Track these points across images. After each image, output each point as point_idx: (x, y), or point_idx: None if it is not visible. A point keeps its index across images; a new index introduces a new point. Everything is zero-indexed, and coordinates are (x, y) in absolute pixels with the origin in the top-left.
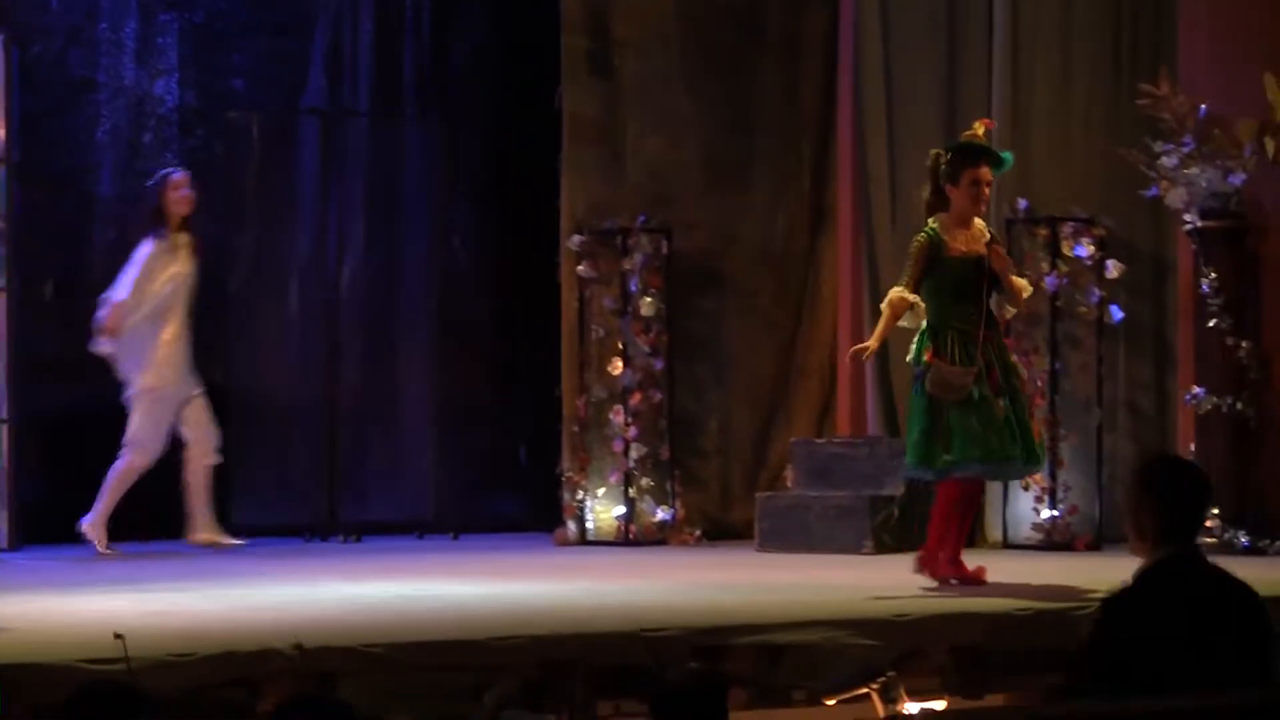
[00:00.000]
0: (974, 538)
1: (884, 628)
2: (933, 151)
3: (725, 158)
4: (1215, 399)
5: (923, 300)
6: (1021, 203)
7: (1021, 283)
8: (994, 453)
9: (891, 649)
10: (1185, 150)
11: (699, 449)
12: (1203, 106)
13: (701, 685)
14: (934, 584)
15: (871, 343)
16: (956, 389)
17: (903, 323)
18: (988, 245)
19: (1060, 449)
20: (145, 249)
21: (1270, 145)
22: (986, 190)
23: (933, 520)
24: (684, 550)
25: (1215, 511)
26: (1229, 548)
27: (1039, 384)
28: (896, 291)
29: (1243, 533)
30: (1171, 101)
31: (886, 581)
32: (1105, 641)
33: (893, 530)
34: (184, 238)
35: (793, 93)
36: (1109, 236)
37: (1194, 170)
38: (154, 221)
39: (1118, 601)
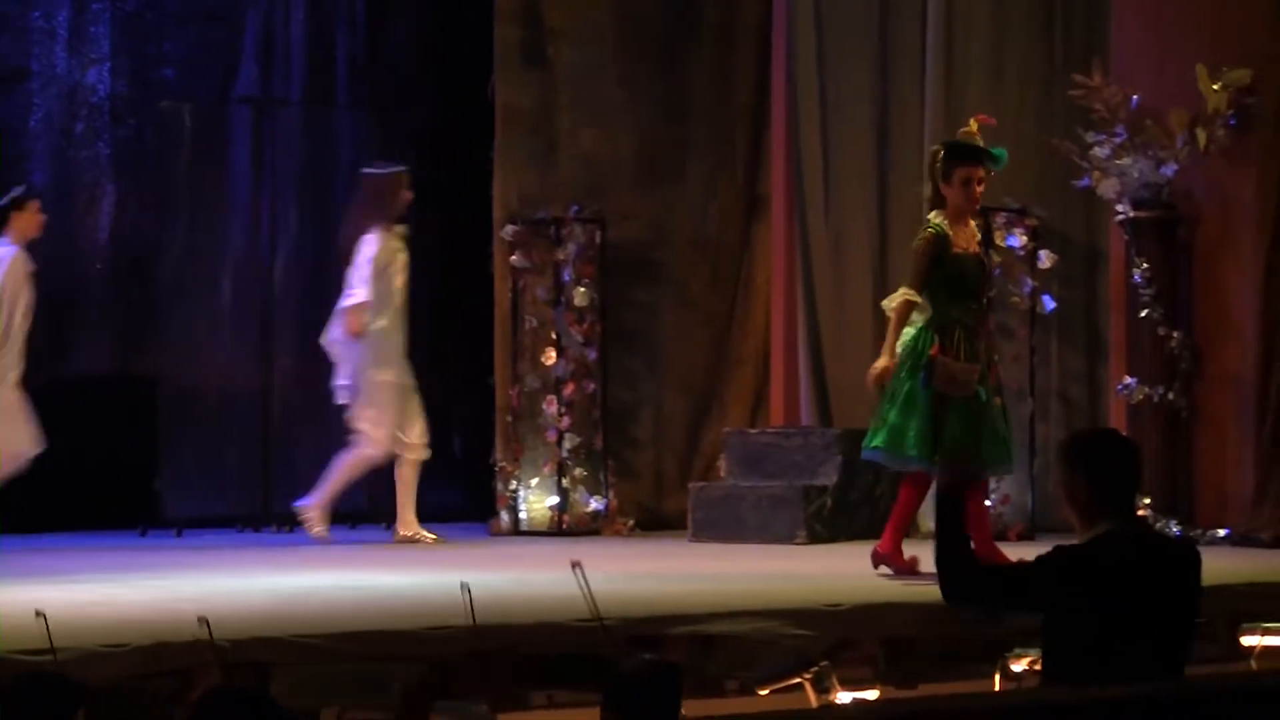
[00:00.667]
0: (908, 528)
1: (817, 618)
2: (931, 149)
3: (658, 148)
4: (1146, 389)
5: (923, 296)
6: None
7: None
8: (987, 452)
9: (824, 639)
10: (1117, 141)
11: (632, 439)
12: (1135, 97)
13: (655, 676)
14: (891, 574)
15: (886, 359)
16: (963, 385)
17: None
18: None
19: None
20: (370, 245)
21: (1202, 136)
22: (979, 188)
23: (898, 513)
24: (617, 540)
25: (1147, 501)
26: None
27: None
28: (903, 295)
29: (1174, 522)
30: (1104, 92)
31: (820, 571)
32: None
33: (826, 520)
34: (401, 229)
35: (726, 82)
36: (1041, 227)
37: (1126, 161)
38: (381, 213)
39: (1069, 549)
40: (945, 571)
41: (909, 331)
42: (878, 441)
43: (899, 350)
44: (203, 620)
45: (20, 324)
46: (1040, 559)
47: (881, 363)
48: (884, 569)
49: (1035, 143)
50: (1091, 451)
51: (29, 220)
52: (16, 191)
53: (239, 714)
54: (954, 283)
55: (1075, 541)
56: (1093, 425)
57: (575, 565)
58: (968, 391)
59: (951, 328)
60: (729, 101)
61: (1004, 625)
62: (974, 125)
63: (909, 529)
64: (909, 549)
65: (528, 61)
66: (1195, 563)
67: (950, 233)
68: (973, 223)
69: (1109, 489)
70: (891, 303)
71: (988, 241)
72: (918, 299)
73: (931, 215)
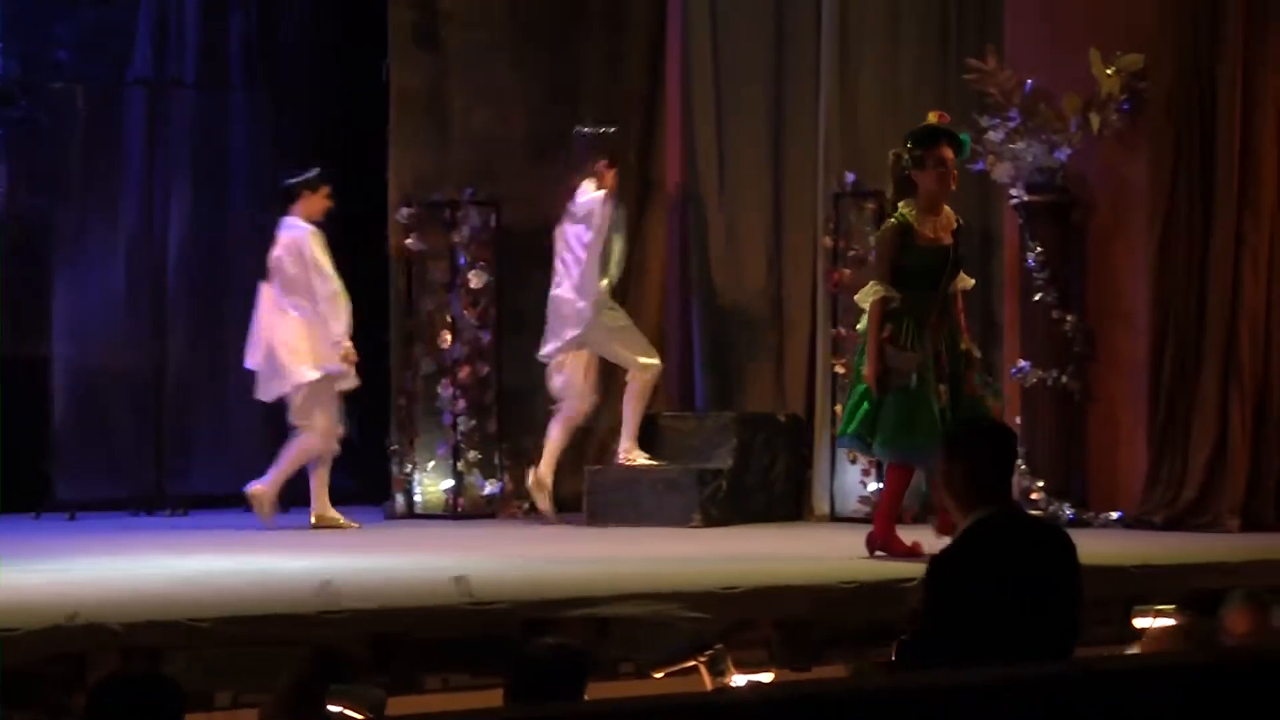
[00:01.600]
0: (800, 510)
1: (711, 600)
2: (891, 152)
3: (551, 131)
4: (1040, 372)
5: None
6: (849, 176)
7: None
8: (918, 444)
9: (719, 622)
10: (1011, 125)
11: (527, 422)
12: (1028, 82)
13: (562, 660)
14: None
15: (875, 365)
16: (901, 374)
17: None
18: (954, 232)
19: None
20: (602, 208)
21: (1095, 120)
22: (954, 171)
23: (885, 497)
24: (512, 523)
25: (1040, 484)
26: (1053, 520)
27: None
28: (875, 291)
29: (1067, 505)
30: (998, 76)
31: (714, 554)
32: (937, 595)
33: (721, 503)
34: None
35: (619, 66)
36: None
37: (1020, 145)
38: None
39: (944, 559)
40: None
41: (863, 319)
42: (851, 429)
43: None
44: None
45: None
46: (924, 582)
47: (870, 368)
48: (880, 554)
49: None
50: (970, 441)
51: (318, 203)
52: (311, 173)
53: (138, 698)
54: (915, 274)
55: (947, 540)
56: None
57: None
58: (903, 381)
59: (903, 318)
60: (621, 85)
61: (899, 608)
62: (933, 117)
63: (799, 512)
64: (800, 533)
65: (421, 44)
66: (1068, 545)
67: (916, 223)
68: (947, 209)
69: (986, 478)
70: (864, 300)
71: (881, 226)
72: (890, 292)
73: (901, 205)
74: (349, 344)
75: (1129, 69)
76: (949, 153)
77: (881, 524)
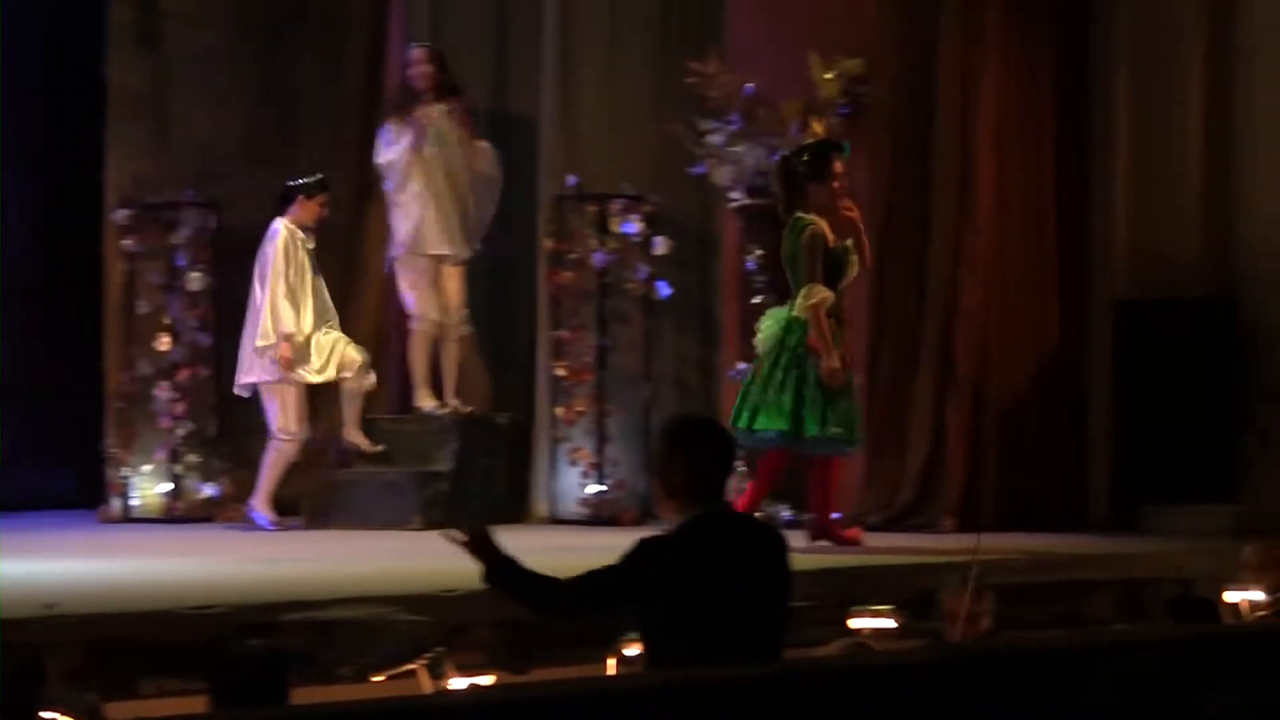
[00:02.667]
0: (520, 513)
1: (431, 603)
2: (782, 155)
3: (269, 131)
4: None
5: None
6: (570, 179)
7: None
8: (853, 434)
9: (438, 624)
10: (732, 129)
11: (247, 425)
12: (749, 85)
13: (261, 661)
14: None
15: (836, 359)
16: (841, 372)
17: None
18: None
19: (608, 424)
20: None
21: (815, 125)
22: (841, 184)
23: (821, 491)
24: (232, 527)
25: None
26: (770, 521)
27: (587, 359)
28: (819, 292)
29: (785, 507)
30: (719, 79)
31: (434, 557)
32: (632, 568)
33: (441, 506)
34: None
35: (338, 67)
36: (657, 213)
37: (740, 148)
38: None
39: (654, 550)
40: (537, 606)
41: (773, 323)
42: (780, 425)
43: (764, 339)
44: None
45: None
46: (627, 555)
47: (833, 363)
48: (822, 542)
49: (651, 129)
50: (693, 437)
51: (312, 209)
52: (310, 179)
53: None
54: (830, 276)
55: (660, 531)
56: (703, 410)
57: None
58: (840, 380)
59: (829, 317)
60: (340, 86)
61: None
62: (817, 127)
63: (518, 513)
64: (520, 534)
65: (141, 43)
66: (781, 544)
67: (823, 228)
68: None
69: (706, 474)
70: (807, 302)
71: (603, 227)
72: (828, 292)
73: (802, 214)
74: (284, 344)
75: (849, 73)
76: (839, 166)
77: (821, 513)
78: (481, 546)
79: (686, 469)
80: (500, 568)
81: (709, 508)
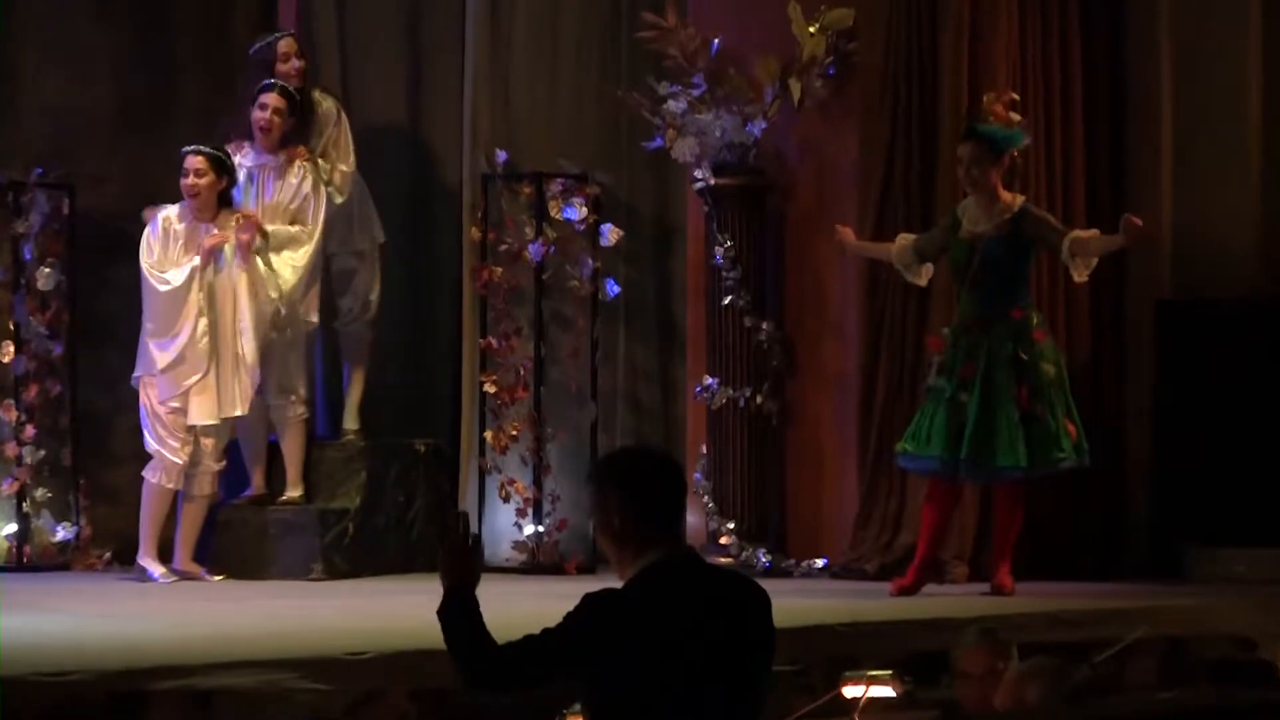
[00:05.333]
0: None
1: (336, 668)
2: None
3: (142, 100)
4: (731, 391)
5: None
6: (500, 155)
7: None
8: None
9: (344, 693)
10: (695, 93)
11: (110, 453)
12: (715, 41)
13: None
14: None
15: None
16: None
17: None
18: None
19: (547, 451)
20: None
21: (795, 88)
22: (960, 170)
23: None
24: (92, 576)
25: (730, 526)
26: (747, 569)
27: (521, 372)
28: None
29: (763, 550)
30: (679, 35)
31: (339, 612)
32: (579, 629)
33: (346, 550)
34: None
35: (223, 26)
36: (605, 196)
37: (706, 117)
38: None
39: (603, 595)
40: (474, 668)
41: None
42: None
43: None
44: None
45: None
46: (570, 615)
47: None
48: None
49: (597, 96)
50: (626, 472)
51: None
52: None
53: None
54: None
55: (610, 586)
56: (662, 435)
57: None
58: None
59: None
60: (228, 48)
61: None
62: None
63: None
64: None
65: None
66: (759, 597)
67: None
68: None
69: (651, 515)
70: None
71: (541, 213)
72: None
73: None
74: None
75: (836, 27)
76: (961, 150)
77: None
78: (469, 558)
79: (626, 509)
80: (467, 597)
81: (667, 551)
